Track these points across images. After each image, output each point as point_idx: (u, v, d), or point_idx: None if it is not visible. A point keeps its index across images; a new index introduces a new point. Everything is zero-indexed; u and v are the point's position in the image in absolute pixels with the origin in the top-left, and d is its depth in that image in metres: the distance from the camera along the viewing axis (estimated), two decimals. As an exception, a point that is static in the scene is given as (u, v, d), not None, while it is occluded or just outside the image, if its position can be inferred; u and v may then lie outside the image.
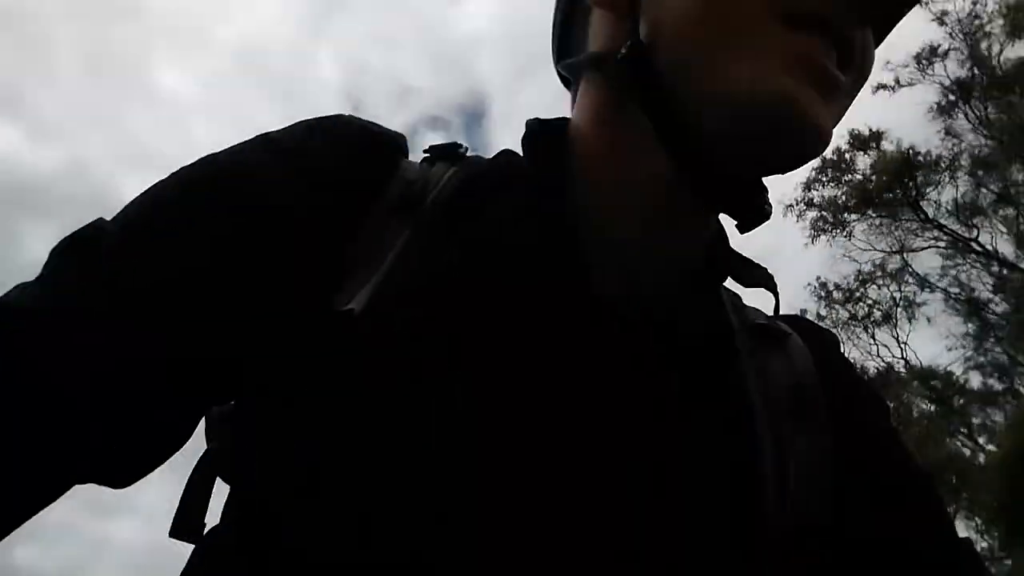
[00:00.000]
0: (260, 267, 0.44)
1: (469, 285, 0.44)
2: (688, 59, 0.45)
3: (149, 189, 0.46)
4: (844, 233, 13.30)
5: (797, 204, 13.40)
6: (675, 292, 0.49)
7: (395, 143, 0.52)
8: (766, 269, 0.52)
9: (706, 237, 0.50)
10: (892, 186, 12.60)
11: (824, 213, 13.38)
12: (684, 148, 0.45)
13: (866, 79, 0.47)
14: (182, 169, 0.47)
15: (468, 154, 0.53)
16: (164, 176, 0.47)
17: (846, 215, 13.23)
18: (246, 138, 0.49)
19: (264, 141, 0.49)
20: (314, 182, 0.47)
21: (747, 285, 0.52)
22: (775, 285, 0.51)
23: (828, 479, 0.48)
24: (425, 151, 0.53)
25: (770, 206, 0.48)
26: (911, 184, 12.57)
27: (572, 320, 0.45)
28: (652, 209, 0.48)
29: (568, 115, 0.55)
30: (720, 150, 0.44)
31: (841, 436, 0.50)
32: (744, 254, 0.52)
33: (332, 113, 0.52)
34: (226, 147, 0.48)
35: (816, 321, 0.60)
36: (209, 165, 0.47)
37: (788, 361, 0.52)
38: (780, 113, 0.42)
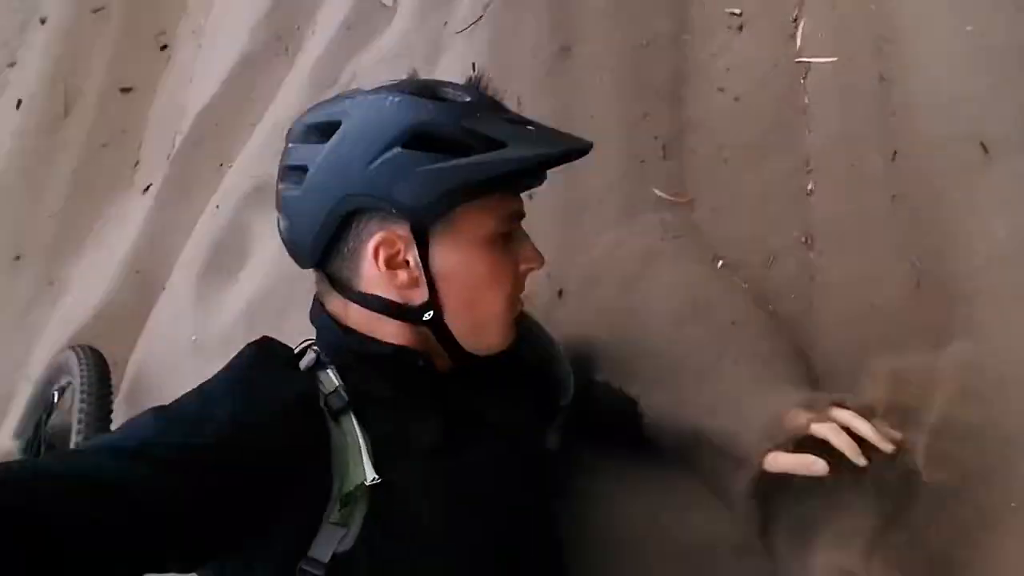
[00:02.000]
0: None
1: (392, 412, 0.83)
2: (465, 329, 0.87)
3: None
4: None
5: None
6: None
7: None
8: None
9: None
10: None
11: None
12: (457, 354, 0.88)
13: None
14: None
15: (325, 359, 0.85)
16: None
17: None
18: None
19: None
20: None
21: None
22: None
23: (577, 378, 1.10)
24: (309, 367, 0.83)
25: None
26: None
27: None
28: (448, 366, 0.90)
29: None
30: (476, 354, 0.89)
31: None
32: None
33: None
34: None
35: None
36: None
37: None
38: (504, 347, 0.91)
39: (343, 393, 0.80)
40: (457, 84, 0.86)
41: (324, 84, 1.83)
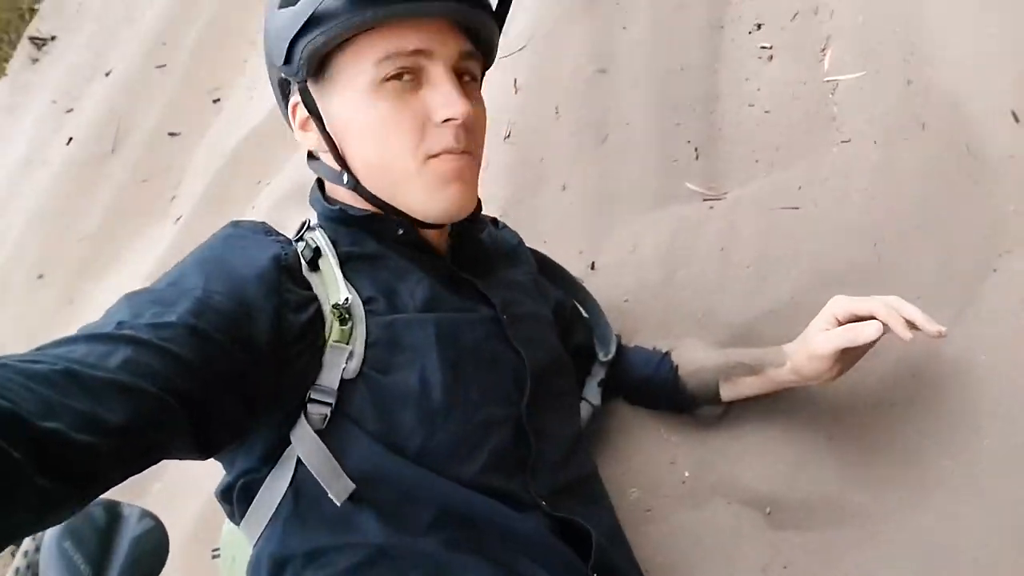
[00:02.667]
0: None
1: (382, 270, 0.82)
2: (383, 192, 0.81)
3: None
4: None
5: None
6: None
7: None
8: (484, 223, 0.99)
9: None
10: None
11: None
12: (408, 221, 0.83)
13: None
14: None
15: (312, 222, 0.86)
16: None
17: None
18: None
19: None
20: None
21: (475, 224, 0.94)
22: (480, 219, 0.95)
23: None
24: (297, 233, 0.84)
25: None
26: None
27: (432, 261, 0.87)
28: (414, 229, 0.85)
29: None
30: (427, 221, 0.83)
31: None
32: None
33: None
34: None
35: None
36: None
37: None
38: (444, 214, 0.81)
39: (312, 242, 0.80)
40: None
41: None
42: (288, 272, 0.74)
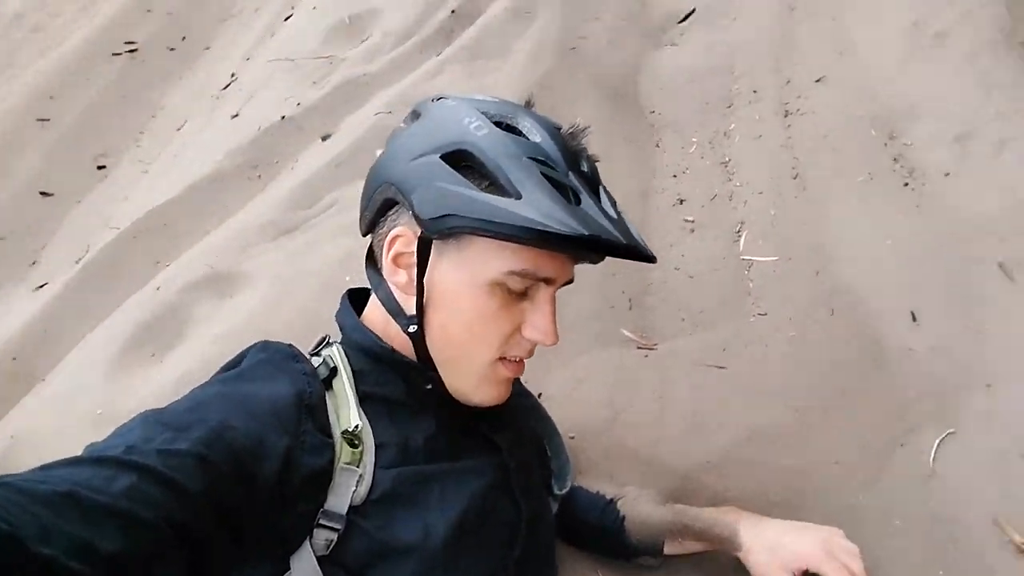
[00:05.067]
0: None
1: (398, 412, 0.82)
2: (443, 361, 0.82)
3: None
4: None
5: None
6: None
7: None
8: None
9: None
10: None
11: None
12: (438, 385, 0.84)
13: None
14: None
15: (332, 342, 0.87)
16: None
17: None
18: None
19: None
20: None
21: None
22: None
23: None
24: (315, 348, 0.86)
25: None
26: None
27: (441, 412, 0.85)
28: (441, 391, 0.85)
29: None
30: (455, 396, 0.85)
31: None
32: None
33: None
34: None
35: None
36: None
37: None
38: (477, 403, 0.84)
39: (330, 361, 0.81)
40: (551, 124, 0.82)
41: (301, 205, 1.91)
42: (310, 411, 0.73)
